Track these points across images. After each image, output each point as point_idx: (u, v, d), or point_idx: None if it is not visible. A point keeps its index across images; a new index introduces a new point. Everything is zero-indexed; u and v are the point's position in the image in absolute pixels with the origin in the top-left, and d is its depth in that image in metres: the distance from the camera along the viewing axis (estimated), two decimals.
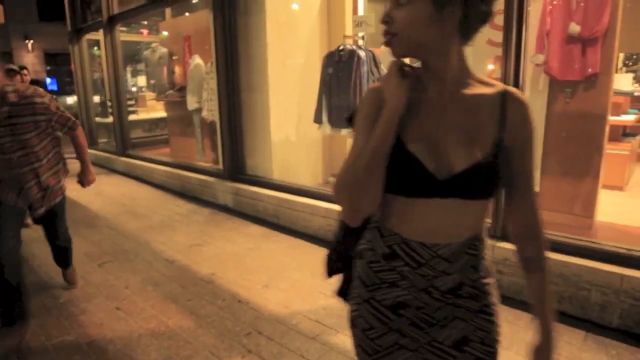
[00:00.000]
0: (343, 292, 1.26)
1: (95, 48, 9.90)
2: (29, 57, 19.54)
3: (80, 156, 2.92)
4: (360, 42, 4.82)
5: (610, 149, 4.88)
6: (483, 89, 1.03)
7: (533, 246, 1.10)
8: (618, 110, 5.42)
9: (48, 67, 20.30)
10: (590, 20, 3.60)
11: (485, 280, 1.09)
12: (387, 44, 0.99)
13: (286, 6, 5.00)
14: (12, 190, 2.59)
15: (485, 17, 0.97)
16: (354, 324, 1.13)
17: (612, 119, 5.15)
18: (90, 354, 2.48)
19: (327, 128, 4.72)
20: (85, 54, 8.99)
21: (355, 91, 4.42)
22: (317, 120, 4.73)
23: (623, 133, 5.67)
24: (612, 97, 4.82)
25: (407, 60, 1.03)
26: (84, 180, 2.98)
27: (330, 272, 1.29)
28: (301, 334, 2.58)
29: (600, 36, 3.64)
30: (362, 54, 4.45)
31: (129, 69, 11.28)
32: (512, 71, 2.92)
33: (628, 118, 5.47)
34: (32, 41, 19.47)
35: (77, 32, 8.80)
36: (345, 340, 2.49)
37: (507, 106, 1.01)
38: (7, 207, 2.57)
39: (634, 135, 5.79)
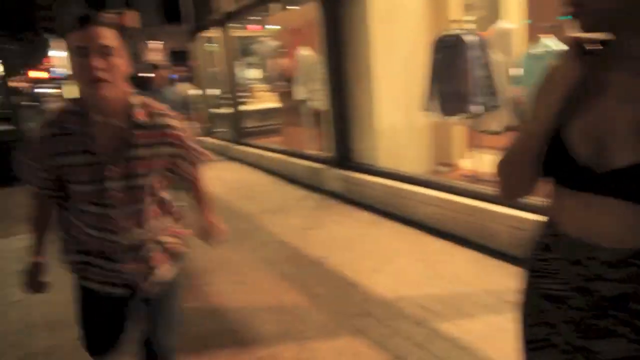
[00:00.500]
0: None
1: (210, 44, 10.64)
2: (156, 55, 21.68)
3: (202, 206, 1.80)
4: (469, 27, 4.66)
5: None
6: None
7: None
8: None
9: (173, 64, 22.40)
10: None
11: None
12: (572, 15, 0.86)
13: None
14: (105, 271, 1.54)
15: None
16: (519, 308, 1.11)
17: None
18: (215, 320, 2.82)
19: (435, 115, 4.68)
20: (203, 50, 9.76)
21: (464, 77, 4.33)
22: (426, 107, 4.70)
23: None
24: None
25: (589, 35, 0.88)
26: (207, 237, 1.80)
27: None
28: (408, 318, 2.66)
29: None
30: (470, 38, 4.33)
31: (240, 62, 12.00)
32: None
33: None
34: (162, 42, 21.69)
35: (196, 30, 9.56)
36: (450, 327, 2.53)
37: None
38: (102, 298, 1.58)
39: None
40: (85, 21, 1.34)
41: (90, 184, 1.42)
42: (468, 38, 4.33)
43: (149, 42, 21.63)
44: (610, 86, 0.89)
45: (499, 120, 4.56)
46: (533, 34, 4.37)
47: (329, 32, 5.14)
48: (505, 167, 1.03)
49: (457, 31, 4.40)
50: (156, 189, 1.54)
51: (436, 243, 3.76)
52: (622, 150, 0.85)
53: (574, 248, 0.95)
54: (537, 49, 4.12)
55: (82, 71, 1.32)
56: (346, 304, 2.89)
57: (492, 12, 6.10)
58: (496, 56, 4.54)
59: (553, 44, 4.05)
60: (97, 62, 1.30)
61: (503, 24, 5.31)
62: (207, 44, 10.32)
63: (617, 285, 0.91)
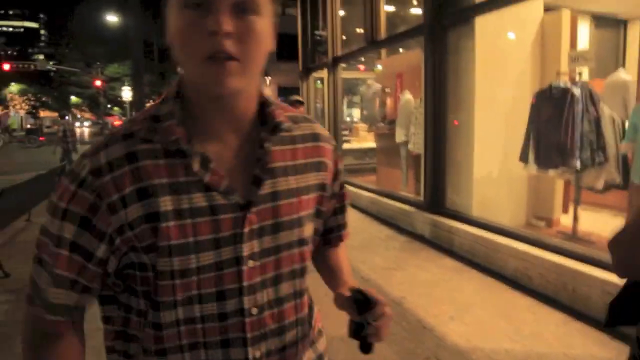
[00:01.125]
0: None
1: (319, 82, 11.27)
2: (266, 90, 23.28)
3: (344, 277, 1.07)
4: (577, 78, 4.55)
5: None
6: None
7: None
8: None
9: (280, 98, 23.85)
10: None
11: None
12: None
13: (497, 44, 5.04)
14: None
15: None
16: None
17: None
18: None
19: (533, 168, 4.58)
20: (312, 88, 10.39)
21: (567, 131, 4.22)
22: (523, 159, 4.63)
23: None
24: None
25: None
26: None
27: (613, 320, 1.11)
28: None
29: None
30: (577, 91, 4.23)
31: (345, 100, 12.51)
32: None
33: None
34: (269, 77, 23.15)
35: (307, 70, 10.24)
36: None
37: None
38: None
39: None
40: None
41: (212, 250, 0.74)
42: (574, 91, 4.23)
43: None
44: None
45: (603, 177, 4.34)
46: None
47: (433, 79, 5.29)
48: (615, 244, 0.97)
49: (562, 84, 4.33)
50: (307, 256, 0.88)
51: (520, 299, 3.64)
52: None
53: None
54: None
55: (194, 39, 0.69)
56: (418, 346, 2.93)
57: (605, 63, 5.88)
58: (608, 109, 4.37)
59: None
60: (227, 24, 0.68)
61: (621, 75, 5.10)
62: (317, 82, 10.96)
63: None
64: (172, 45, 0.72)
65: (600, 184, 4.38)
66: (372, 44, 7.31)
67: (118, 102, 37.33)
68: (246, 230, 0.76)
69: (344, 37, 8.73)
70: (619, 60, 6.45)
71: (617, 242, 0.97)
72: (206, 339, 0.76)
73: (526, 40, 5.13)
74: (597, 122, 4.25)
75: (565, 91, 4.25)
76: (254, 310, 0.78)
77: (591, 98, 4.28)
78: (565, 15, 5.01)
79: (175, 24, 0.70)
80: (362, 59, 11.21)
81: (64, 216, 0.72)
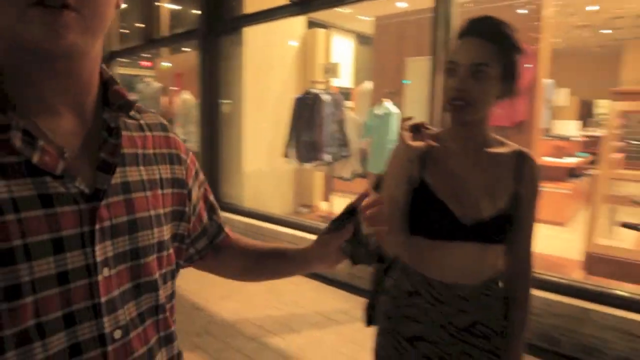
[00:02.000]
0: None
1: None
2: None
3: None
4: (328, 86, 5.38)
5: (551, 188, 5.43)
6: (501, 148, 1.18)
7: (521, 287, 1.21)
8: (561, 153, 6.00)
9: None
10: None
11: (499, 322, 1.18)
12: (456, 109, 1.09)
13: (264, 53, 5.61)
14: None
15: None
16: (375, 353, 1.26)
17: (553, 160, 5.73)
18: None
19: (294, 162, 5.26)
20: None
21: (319, 130, 4.98)
22: (286, 154, 5.27)
23: (570, 174, 6.22)
24: (550, 141, 5.39)
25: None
26: None
27: (370, 321, 1.31)
28: (243, 335, 3.03)
29: (525, 89, 4.24)
30: (326, 97, 5.04)
31: None
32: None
33: (571, 160, 6.04)
34: None
35: None
36: (279, 341, 2.95)
37: (522, 164, 1.16)
38: None
39: (580, 176, 6.35)
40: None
41: (51, 255, 0.61)
42: (324, 97, 5.03)
43: None
44: (461, 159, 1.16)
45: (349, 168, 5.27)
46: (377, 97, 5.19)
47: (207, 81, 5.56)
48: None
49: (315, 90, 5.09)
50: None
51: None
52: (484, 206, 1.12)
53: (439, 290, 1.15)
54: (380, 110, 4.93)
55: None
56: (190, 325, 3.18)
57: (361, 74, 7.06)
58: (351, 112, 5.31)
59: (391, 106, 4.89)
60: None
61: (366, 85, 6.21)
62: None
63: (471, 316, 1.15)
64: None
65: (347, 174, 5.31)
66: (150, 42, 7.24)
67: None
68: (97, 227, 0.58)
69: (124, 32, 8.36)
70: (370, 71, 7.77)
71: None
72: None
73: (290, 52, 5.84)
74: (342, 123, 5.14)
75: (317, 96, 5.03)
76: (117, 334, 0.60)
77: (337, 103, 5.15)
78: (321, 33, 5.88)
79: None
80: (149, 55, 10.84)
81: None
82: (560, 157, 5.91)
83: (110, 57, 8.08)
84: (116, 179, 0.62)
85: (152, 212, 0.67)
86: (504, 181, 1.15)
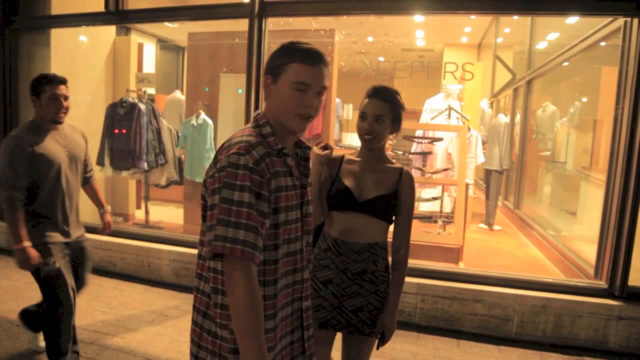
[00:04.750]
0: None
1: None
2: None
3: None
4: (144, 96, 5.48)
5: None
6: (391, 165, 1.90)
7: (401, 257, 1.88)
8: None
9: None
10: None
11: (382, 273, 1.86)
12: (366, 140, 1.83)
13: (74, 57, 5.39)
14: None
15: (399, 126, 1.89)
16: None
17: None
18: None
19: (109, 170, 5.21)
20: None
21: (135, 139, 5.07)
22: (100, 162, 5.19)
23: None
24: (341, 150, 6.41)
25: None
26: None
27: None
28: (82, 341, 3.08)
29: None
30: (142, 107, 5.15)
31: None
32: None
33: None
34: None
35: None
36: (118, 340, 3.11)
37: (401, 175, 1.88)
38: None
39: None
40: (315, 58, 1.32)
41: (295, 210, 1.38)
42: (140, 106, 5.13)
43: None
44: (364, 166, 1.90)
45: (165, 175, 5.46)
46: (190, 108, 5.49)
47: (2, 80, 5.07)
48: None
49: (131, 99, 5.15)
50: None
51: (107, 282, 4.24)
52: (371, 191, 1.84)
53: (340, 246, 1.84)
54: (195, 121, 5.26)
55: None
56: (15, 342, 3.06)
57: (169, 82, 7.18)
58: (166, 122, 5.50)
59: (206, 118, 5.26)
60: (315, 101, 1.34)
61: (177, 94, 6.40)
62: None
63: (360, 265, 1.83)
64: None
65: (163, 181, 5.49)
66: None
67: None
68: (304, 200, 1.39)
69: None
70: (179, 80, 7.91)
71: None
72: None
73: (101, 57, 5.69)
74: (159, 132, 5.32)
75: (134, 106, 5.10)
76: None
77: (153, 112, 5.30)
78: (134, 41, 5.88)
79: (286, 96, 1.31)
80: None
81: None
82: None
83: None
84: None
85: None
86: (388, 182, 1.87)
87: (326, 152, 1.89)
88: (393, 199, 1.84)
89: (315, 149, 1.89)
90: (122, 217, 5.88)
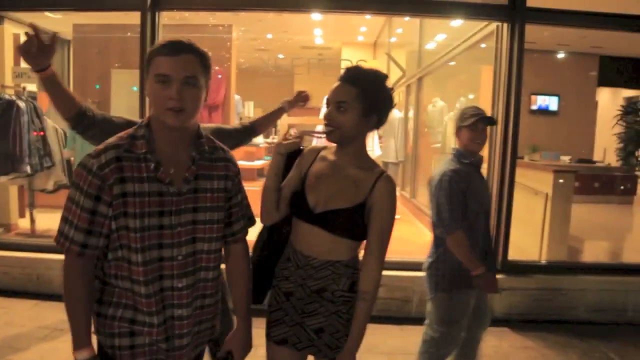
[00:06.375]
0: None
1: None
2: None
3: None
4: (23, 93, 4.99)
5: (246, 187, 6.48)
6: (369, 169, 1.53)
7: (369, 284, 1.52)
8: (252, 157, 7.20)
9: None
10: (212, 92, 4.97)
11: (344, 293, 1.54)
12: (327, 133, 1.48)
13: None
14: None
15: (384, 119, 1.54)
16: (268, 302, 1.66)
17: (247, 163, 6.84)
18: None
19: None
20: None
21: (15, 140, 4.60)
22: None
23: (259, 174, 7.47)
24: (243, 147, 6.40)
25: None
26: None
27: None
28: None
29: (220, 104, 5.06)
30: (22, 104, 4.69)
31: None
32: None
33: (259, 163, 7.32)
34: None
35: None
36: None
37: (377, 182, 1.49)
38: None
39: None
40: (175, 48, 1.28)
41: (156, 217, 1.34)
42: (19, 103, 4.66)
43: None
44: (335, 167, 1.55)
45: (52, 179, 5.03)
46: None
47: None
48: (262, 201, 1.58)
49: (7, 96, 4.66)
50: None
51: None
52: (330, 201, 1.50)
53: (299, 258, 1.55)
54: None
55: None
56: None
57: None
58: (51, 121, 5.06)
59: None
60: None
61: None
62: None
63: (319, 282, 1.53)
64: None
65: (50, 185, 5.05)
66: None
67: None
68: (178, 208, 1.33)
69: None
70: (64, 76, 7.30)
71: (261, 199, 1.59)
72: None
73: None
74: (42, 132, 4.88)
75: (11, 103, 4.63)
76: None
77: (36, 111, 4.85)
78: (8, 31, 5.30)
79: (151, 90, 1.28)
80: None
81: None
82: (252, 160, 7.10)
83: None
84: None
85: None
86: (357, 191, 1.50)
87: (287, 142, 1.51)
88: (358, 215, 1.49)
89: (278, 137, 1.68)
90: (3, 227, 5.32)
